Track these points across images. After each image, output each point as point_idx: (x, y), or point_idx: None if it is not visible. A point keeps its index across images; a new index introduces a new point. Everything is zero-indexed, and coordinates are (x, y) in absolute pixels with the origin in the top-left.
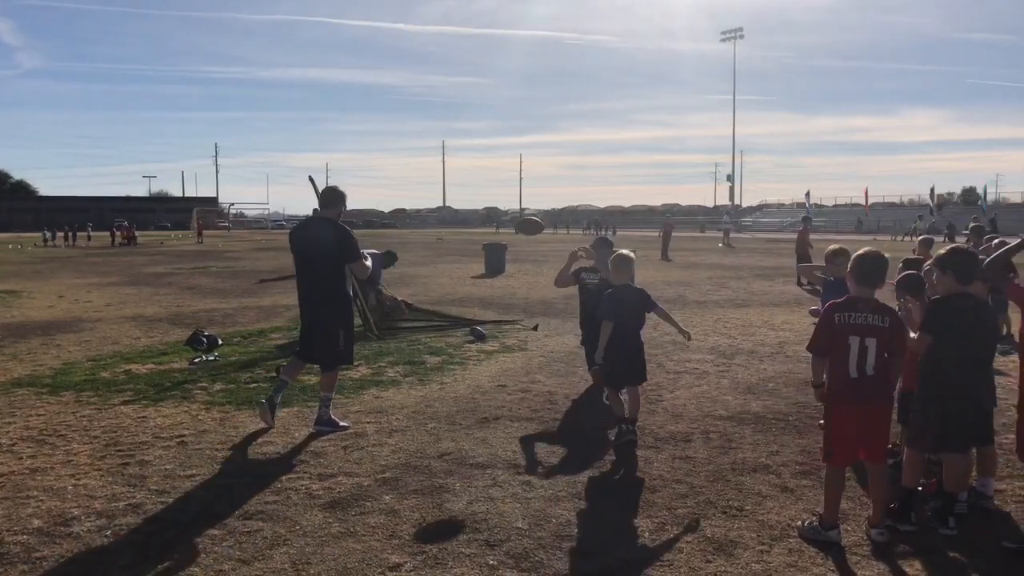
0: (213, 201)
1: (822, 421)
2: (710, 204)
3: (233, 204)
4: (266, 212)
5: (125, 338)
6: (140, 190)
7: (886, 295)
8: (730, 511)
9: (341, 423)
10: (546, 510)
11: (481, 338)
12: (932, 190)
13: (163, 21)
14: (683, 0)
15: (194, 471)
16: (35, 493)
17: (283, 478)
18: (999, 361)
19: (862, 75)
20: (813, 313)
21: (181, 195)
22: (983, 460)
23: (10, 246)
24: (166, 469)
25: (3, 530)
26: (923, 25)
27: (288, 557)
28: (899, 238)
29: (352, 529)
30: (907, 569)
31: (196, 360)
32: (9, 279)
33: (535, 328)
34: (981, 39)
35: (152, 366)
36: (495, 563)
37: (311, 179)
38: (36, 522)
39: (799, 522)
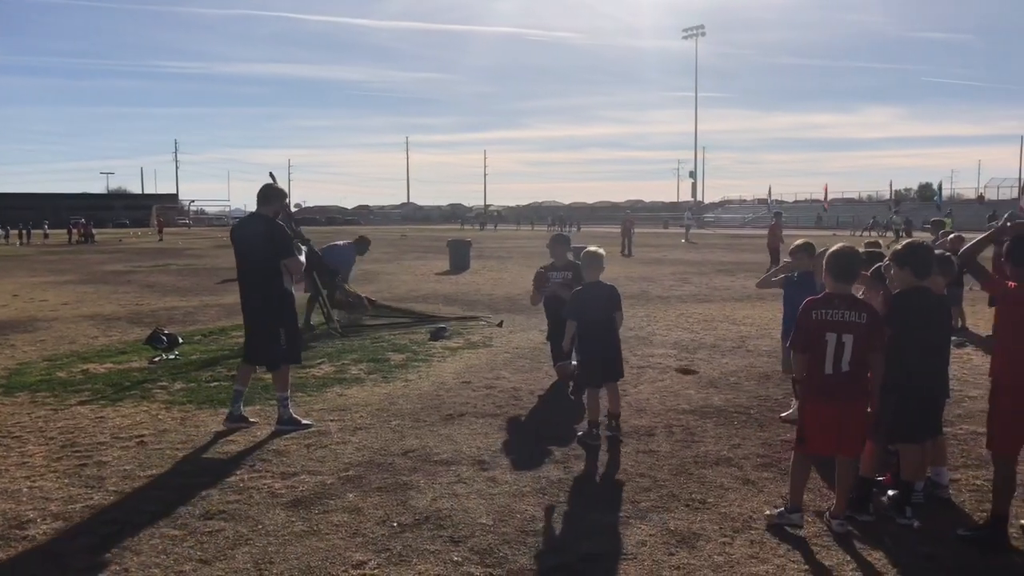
0: (173, 198)
1: (783, 414)
2: (673, 200)
3: (194, 201)
4: (227, 209)
5: (82, 337)
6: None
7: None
8: (693, 504)
9: (303, 421)
10: (511, 505)
11: (445, 335)
12: (891, 185)
13: (121, 15)
14: None
15: (154, 471)
16: None
17: (245, 477)
18: (952, 354)
19: (822, 73)
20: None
21: (140, 192)
22: (935, 450)
23: None
24: (125, 470)
25: None
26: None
27: (250, 556)
28: (858, 233)
29: (315, 527)
30: (867, 558)
31: (156, 359)
32: None
33: (500, 324)
34: (936, 38)
35: (110, 365)
36: (459, 559)
37: (272, 175)
38: None
39: (767, 511)
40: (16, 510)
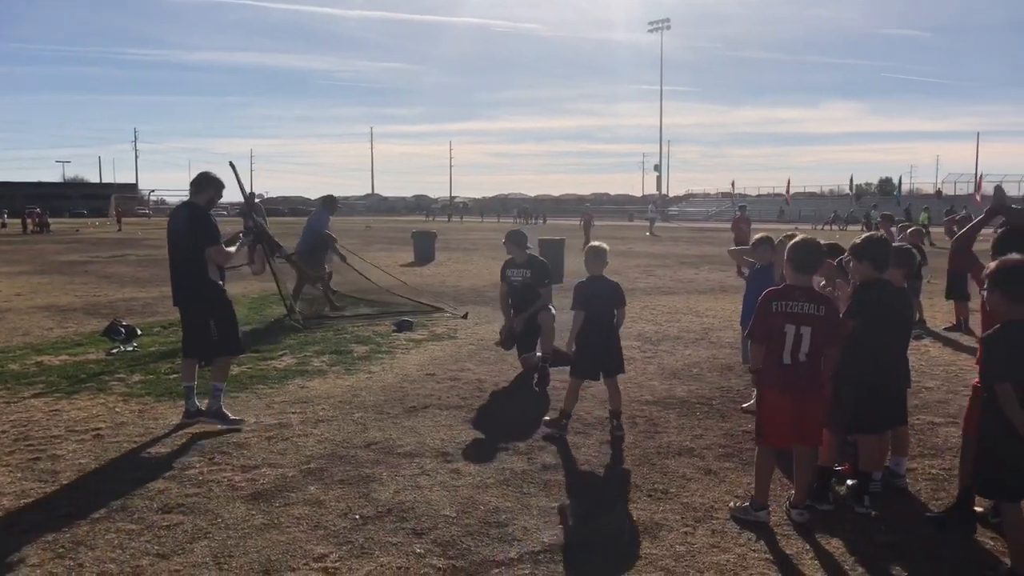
0: (132, 187)
1: (744, 405)
2: (638, 193)
3: (154, 191)
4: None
5: (36, 329)
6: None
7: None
8: (655, 494)
9: (232, 417)
10: (474, 497)
11: (409, 327)
12: (852, 180)
13: (80, 1)
14: None
15: (110, 465)
16: None
17: (205, 470)
18: (912, 345)
19: (786, 68)
20: None
21: (99, 181)
22: (897, 440)
23: None
24: (80, 463)
25: None
26: (844, 19)
27: (209, 550)
28: (820, 227)
29: (276, 521)
30: (826, 546)
31: (114, 351)
32: None
33: (465, 316)
34: (897, 34)
35: (66, 357)
36: (422, 551)
37: (232, 165)
38: None
39: (730, 503)
40: None
